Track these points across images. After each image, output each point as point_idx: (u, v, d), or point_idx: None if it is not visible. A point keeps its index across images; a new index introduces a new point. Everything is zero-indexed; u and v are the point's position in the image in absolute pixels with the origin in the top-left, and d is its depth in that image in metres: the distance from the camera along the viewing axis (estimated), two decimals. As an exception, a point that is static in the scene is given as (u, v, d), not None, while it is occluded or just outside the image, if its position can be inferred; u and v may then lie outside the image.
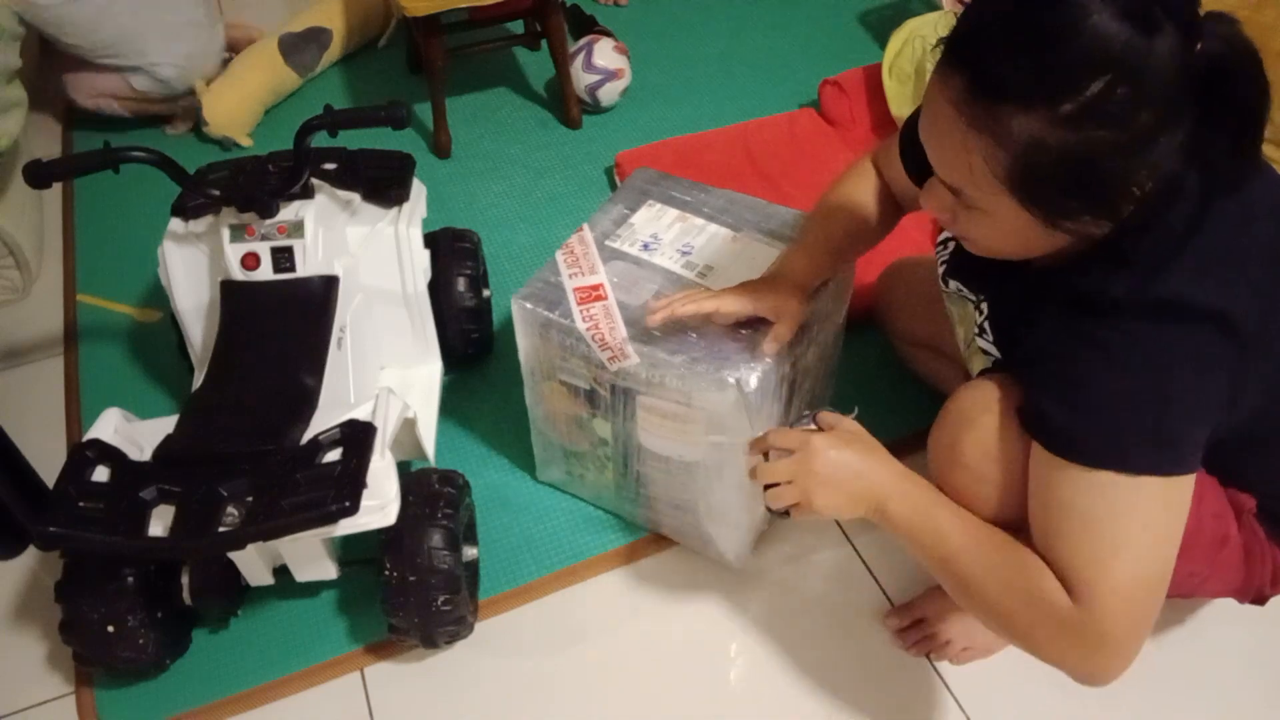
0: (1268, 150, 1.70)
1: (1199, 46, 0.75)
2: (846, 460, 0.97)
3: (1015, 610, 0.89)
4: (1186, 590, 1.07)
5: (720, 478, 1.20)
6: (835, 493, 0.97)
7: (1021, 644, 0.91)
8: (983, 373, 1.06)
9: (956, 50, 0.81)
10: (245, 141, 2.15)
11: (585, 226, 1.28)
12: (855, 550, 1.37)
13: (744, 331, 1.12)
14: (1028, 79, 0.76)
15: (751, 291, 1.10)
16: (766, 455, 1.04)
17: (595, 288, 1.19)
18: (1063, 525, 0.86)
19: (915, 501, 0.95)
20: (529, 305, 1.18)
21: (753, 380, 1.07)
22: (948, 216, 0.90)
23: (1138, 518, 0.84)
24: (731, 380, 1.07)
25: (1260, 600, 1.09)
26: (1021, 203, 0.82)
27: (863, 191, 1.17)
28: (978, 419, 0.97)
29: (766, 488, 1.02)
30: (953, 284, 1.12)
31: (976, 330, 1.07)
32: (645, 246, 1.26)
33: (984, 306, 1.05)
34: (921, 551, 0.95)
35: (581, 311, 1.16)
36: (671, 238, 1.27)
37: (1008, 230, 0.86)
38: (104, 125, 2.16)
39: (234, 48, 2.28)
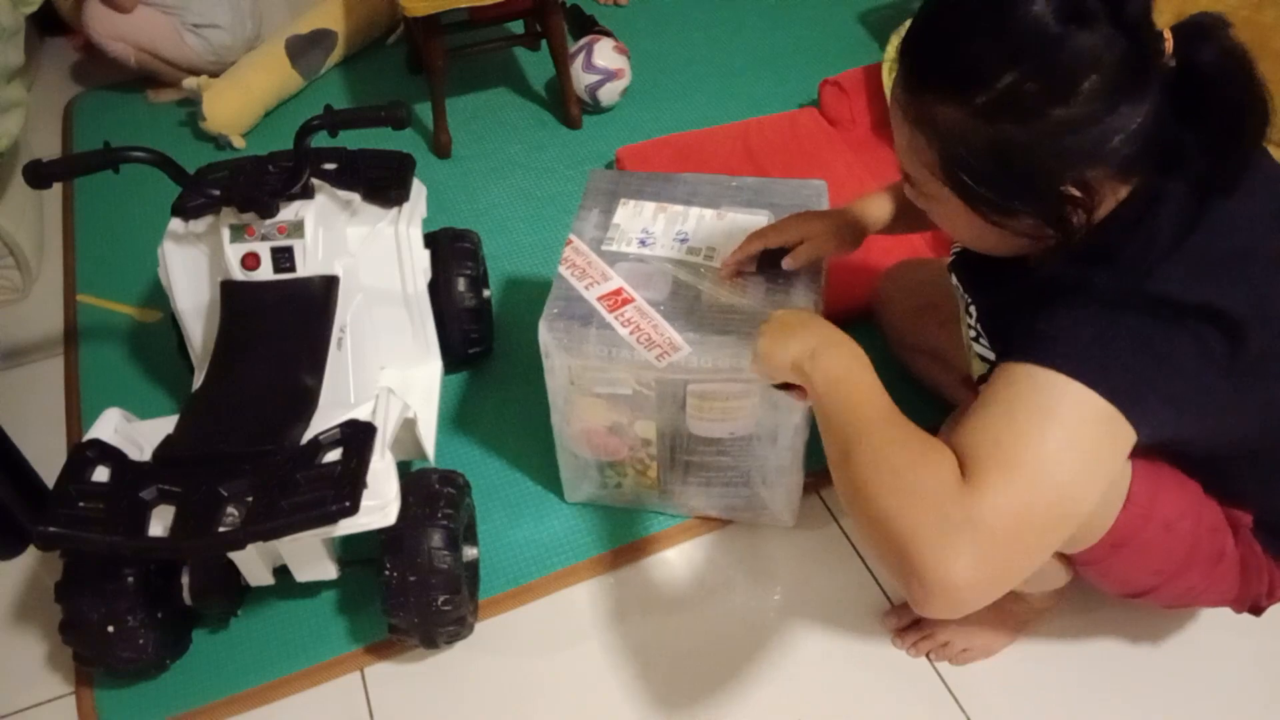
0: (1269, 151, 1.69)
1: (1170, 48, 0.75)
2: (802, 317, 0.94)
3: (899, 501, 0.75)
4: (1184, 602, 1.07)
5: (775, 442, 1.22)
6: (776, 335, 0.93)
7: (891, 547, 0.75)
8: (980, 379, 1.06)
9: (903, 43, 0.85)
10: (239, 143, 2.14)
11: (573, 237, 1.27)
12: (855, 550, 1.37)
13: (778, 297, 1.17)
14: (943, 70, 0.79)
15: (795, 220, 1.18)
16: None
17: (617, 292, 1.19)
18: (984, 409, 0.77)
19: (849, 362, 0.87)
20: (561, 325, 1.16)
21: None
22: (921, 204, 0.92)
23: (1063, 426, 0.74)
24: None
25: (1256, 610, 1.08)
26: (957, 196, 0.83)
27: None
28: None
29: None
30: (953, 279, 1.12)
31: (972, 335, 1.07)
32: (642, 243, 1.26)
33: (972, 309, 1.05)
34: (833, 418, 0.85)
35: (617, 318, 1.15)
36: (661, 229, 1.27)
37: (961, 222, 0.88)
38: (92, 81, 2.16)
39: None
